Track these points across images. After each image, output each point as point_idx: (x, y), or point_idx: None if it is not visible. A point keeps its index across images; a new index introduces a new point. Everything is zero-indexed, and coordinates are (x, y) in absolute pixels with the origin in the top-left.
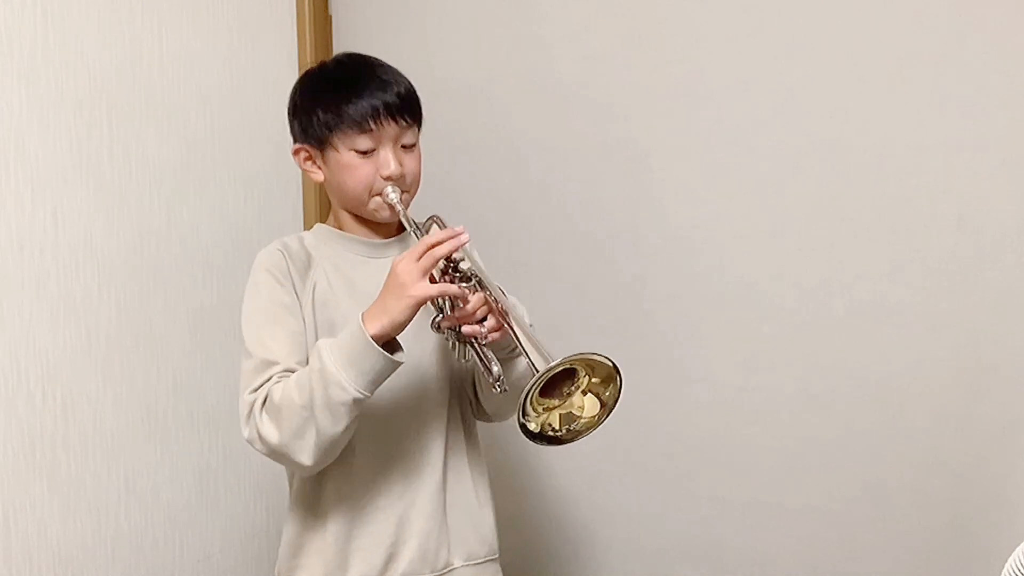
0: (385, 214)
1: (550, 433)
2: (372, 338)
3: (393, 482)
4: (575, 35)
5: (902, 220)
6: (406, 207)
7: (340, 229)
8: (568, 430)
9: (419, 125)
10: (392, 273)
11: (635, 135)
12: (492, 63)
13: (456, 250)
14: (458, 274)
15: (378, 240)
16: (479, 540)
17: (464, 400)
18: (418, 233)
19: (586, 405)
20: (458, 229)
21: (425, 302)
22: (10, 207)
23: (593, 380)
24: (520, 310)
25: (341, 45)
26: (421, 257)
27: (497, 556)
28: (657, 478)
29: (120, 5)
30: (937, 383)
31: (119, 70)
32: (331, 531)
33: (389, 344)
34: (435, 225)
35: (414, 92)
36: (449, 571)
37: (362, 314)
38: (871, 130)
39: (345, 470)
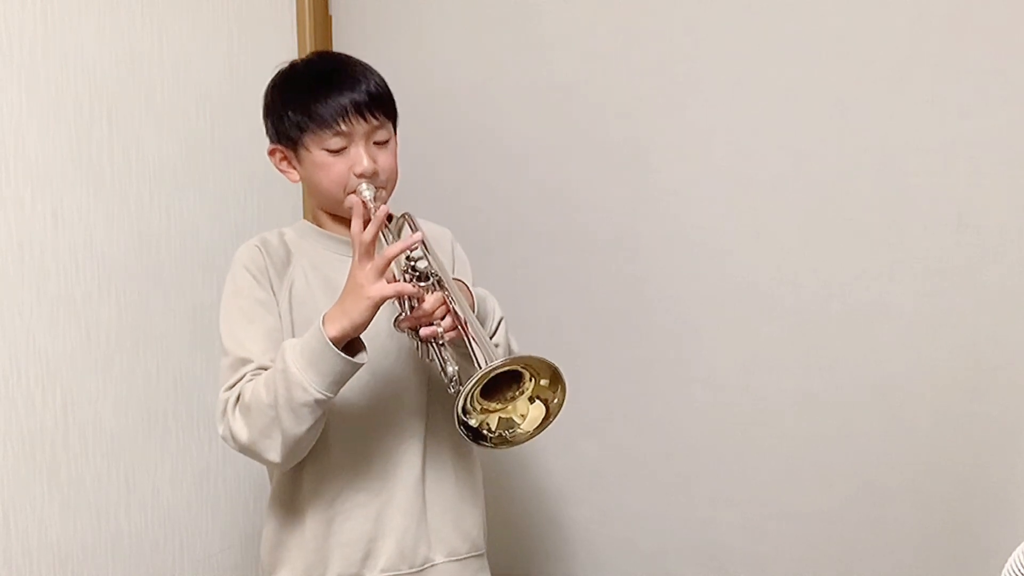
0: (360, 211)
1: (485, 432)
2: (332, 340)
3: (370, 478)
4: (575, 35)
5: (902, 220)
6: (383, 203)
7: (320, 227)
8: (502, 436)
9: (393, 121)
10: (351, 275)
11: (635, 135)
12: (492, 63)
13: (409, 248)
14: (416, 273)
15: None
16: (461, 536)
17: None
18: (386, 233)
19: (530, 414)
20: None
21: (383, 302)
22: (10, 207)
23: (541, 383)
24: (491, 303)
25: (341, 45)
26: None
27: (483, 552)
28: (657, 478)
29: (120, 5)
30: (937, 383)
31: (119, 70)
32: (309, 528)
33: (353, 344)
34: (406, 224)
35: (386, 88)
36: (429, 567)
37: (323, 316)
38: (871, 130)
39: (321, 467)
